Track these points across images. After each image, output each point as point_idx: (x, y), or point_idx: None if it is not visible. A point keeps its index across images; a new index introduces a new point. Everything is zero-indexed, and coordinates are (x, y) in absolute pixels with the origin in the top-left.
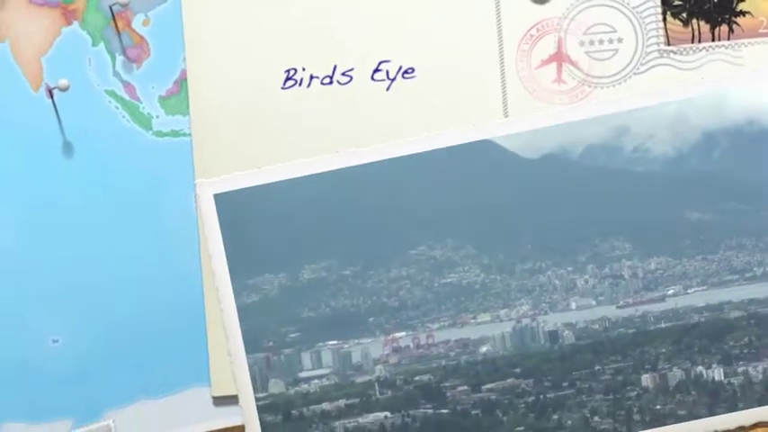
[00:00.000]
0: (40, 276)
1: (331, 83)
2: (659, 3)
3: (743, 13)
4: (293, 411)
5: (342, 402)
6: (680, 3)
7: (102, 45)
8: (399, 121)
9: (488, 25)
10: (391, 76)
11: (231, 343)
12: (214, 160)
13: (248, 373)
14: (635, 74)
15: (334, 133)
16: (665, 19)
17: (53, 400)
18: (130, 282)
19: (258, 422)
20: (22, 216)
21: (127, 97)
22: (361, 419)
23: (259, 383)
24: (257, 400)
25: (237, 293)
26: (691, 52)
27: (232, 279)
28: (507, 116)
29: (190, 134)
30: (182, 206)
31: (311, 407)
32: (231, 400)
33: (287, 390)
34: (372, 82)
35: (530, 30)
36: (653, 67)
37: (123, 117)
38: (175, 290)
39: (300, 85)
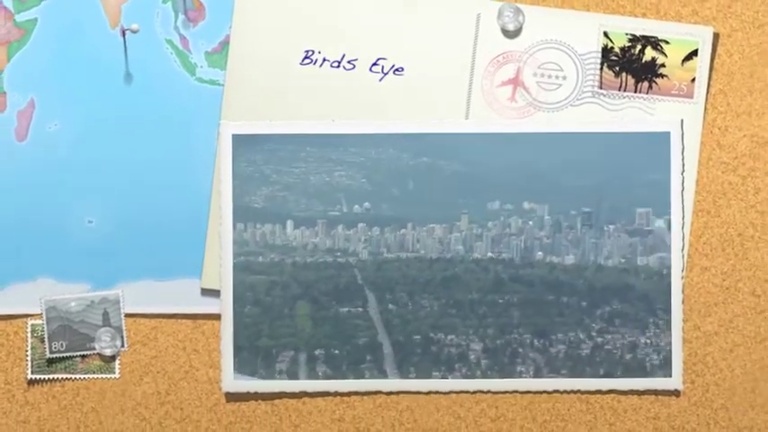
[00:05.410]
0: (89, 171)
1: (338, 67)
2: (600, 55)
3: (662, 76)
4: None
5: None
6: (615, 58)
7: (169, 4)
8: (385, 106)
9: (466, 47)
10: (385, 71)
11: (223, 249)
12: (238, 109)
13: (231, 276)
14: (571, 105)
15: (333, 106)
16: (602, 68)
17: (79, 267)
18: (157, 187)
19: (232, 313)
20: (84, 124)
21: (181, 47)
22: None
23: (239, 286)
24: (235, 296)
25: (236, 214)
26: (617, 97)
27: (233, 202)
28: (467, 119)
29: (223, 85)
30: (206, 138)
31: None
32: (215, 293)
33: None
34: (370, 72)
35: (497, 56)
36: (586, 103)
37: (175, 62)
38: (189, 201)
39: (314, 64)
